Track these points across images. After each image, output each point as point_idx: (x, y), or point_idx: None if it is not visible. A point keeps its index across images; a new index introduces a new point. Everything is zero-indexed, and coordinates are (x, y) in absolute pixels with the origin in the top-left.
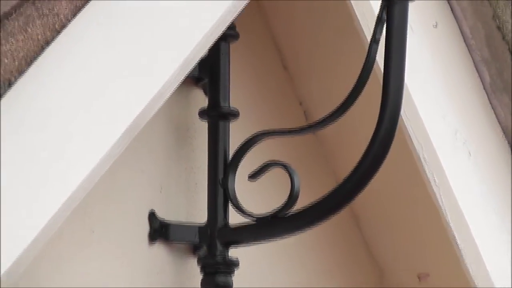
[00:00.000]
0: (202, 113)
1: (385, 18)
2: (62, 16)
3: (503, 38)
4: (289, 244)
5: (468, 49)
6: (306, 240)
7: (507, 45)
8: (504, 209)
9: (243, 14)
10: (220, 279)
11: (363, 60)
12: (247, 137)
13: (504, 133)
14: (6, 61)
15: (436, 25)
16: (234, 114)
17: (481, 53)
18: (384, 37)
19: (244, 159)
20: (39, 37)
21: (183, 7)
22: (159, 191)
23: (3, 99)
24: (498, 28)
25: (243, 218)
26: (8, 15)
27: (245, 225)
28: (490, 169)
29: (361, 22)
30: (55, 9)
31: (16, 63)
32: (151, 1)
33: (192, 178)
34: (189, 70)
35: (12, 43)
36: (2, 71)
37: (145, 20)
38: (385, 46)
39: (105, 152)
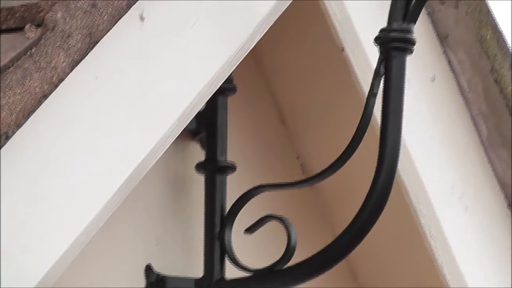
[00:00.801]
0: (199, 167)
1: (383, 72)
2: (59, 70)
3: (501, 91)
4: None
5: (466, 103)
6: None
7: (504, 99)
8: (502, 263)
9: (241, 67)
10: None
11: (361, 114)
12: (244, 190)
13: (501, 187)
14: (3, 114)
15: (433, 79)
16: (232, 168)
17: (478, 107)
18: (382, 91)
19: (241, 212)
20: (37, 90)
21: (181, 60)
22: (155, 244)
23: (1, 152)
24: (496, 81)
25: (240, 271)
26: (6, 68)
27: (242, 279)
28: (487, 223)
29: (358, 76)
30: (53, 63)
31: (14, 116)
32: (151, 56)
33: (188, 232)
34: (186, 123)
35: (10, 96)
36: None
37: (143, 75)
38: (383, 99)
39: (101, 206)
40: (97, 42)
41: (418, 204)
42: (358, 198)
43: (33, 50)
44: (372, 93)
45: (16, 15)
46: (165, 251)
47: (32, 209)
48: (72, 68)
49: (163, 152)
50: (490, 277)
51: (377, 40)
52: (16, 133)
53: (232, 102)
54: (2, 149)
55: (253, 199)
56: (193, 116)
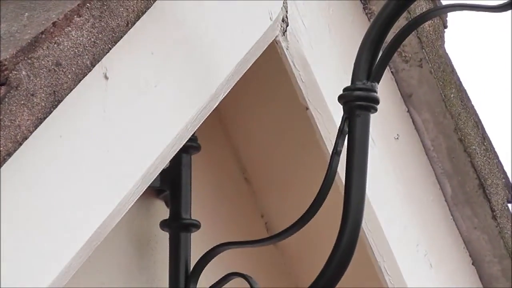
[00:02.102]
0: (164, 224)
1: (347, 130)
2: (23, 128)
3: (465, 150)
4: None
5: (430, 161)
6: None
7: (468, 157)
8: None
9: (205, 126)
10: None
11: (325, 172)
12: (209, 248)
13: (466, 245)
14: None
15: (397, 137)
16: (196, 225)
17: (442, 166)
18: (346, 149)
19: (205, 269)
20: (1, 148)
21: (145, 119)
22: None
23: None
24: (460, 140)
25: None
26: None
27: None
28: (452, 280)
29: (322, 134)
30: (17, 121)
31: None
32: (114, 115)
33: None
34: (150, 181)
35: None
36: None
37: (107, 133)
38: (347, 158)
39: (65, 264)
40: (61, 101)
41: (383, 262)
42: (323, 256)
43: None
44: (336, 152)
45: None
46: None
47: None
48: (36, 126)
49: (127, 210)
50: None
51: (341, 99)
52: None
53: (196, 160)
54: None
55: (217, 256)
56: (157, 174)
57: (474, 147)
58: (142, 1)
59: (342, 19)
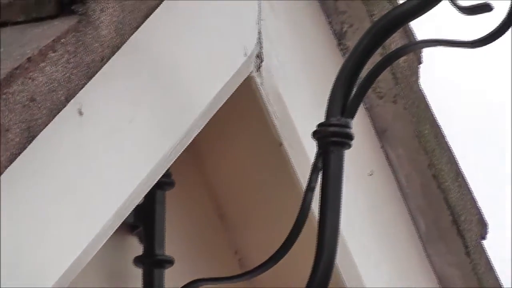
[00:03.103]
0: (137, 261)
1: (321, 166)
2: None
3: (439, 186)
4: None
5: (404, 197)
6: None
7: (442, 194)
8: None
9: (179, 162)
10: None
11: (299, 208)
12: (182, 284)
13: (439, 281)
14: None
15: (371, 173)
16: (169, 262)
17: (416, 202)
18: (320, 185)
19: None
20: None
21: (119, 155)
22: None
23: None
24: (434, 176)
25: None
26: None
27: None
28: None
29: (296, 170)
30: None
31: None
32: (89, 150)
33: None
34: (124, 217)
35: None
36: None
37: (81, 169)
38: (321, 194)
39: None
40: (35, 136)
41: None
42: None
43: None
44: (309, 188)
45: None
46: None
47: None
48: (10, 162)
49: (101, 246)
50: None
51: (315, 134)
52: None
53: (170, 196)
54: None
55: None
56: (131, 210)
57: (448, 183)
58: (117, 37)
59: (317, 55)
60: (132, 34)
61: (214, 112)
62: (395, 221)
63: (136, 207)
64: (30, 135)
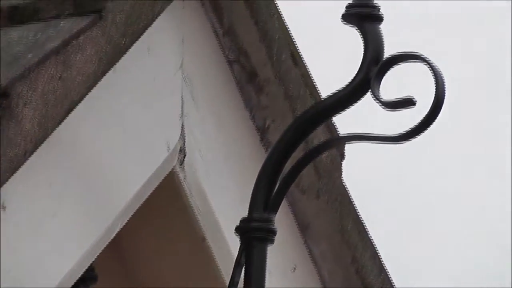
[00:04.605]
0: None
1: (244, 262)
2: None
3: (362, 282)
4: None
5: None
6: None
7: None
8: None
9: (103, 256)
10: None
11: None
12: None
13: None
14: None
15: (294, 269)
16: None
17: None
18: (243, 281)
19: None
20: None
21: (41, 250)
22: None
23: None
24: (357, 272)
25: None
26: None
27: None
28: None
29: (220, 265)
30: None
31: None
32: (11, 246)
33: None
34: None
35: None
36: None
37: (5, 264)
38: None
39: None
40: None
41: None
42: None
43: None
44: (233, 283)
45: None
46: None
47: None
48: None
49: None
50: None
51: (238, 230)
52: None
53: None
54: None
55: None
56: None
57: (371, 278)
58: (40, 131)
59: (240, 150)
60: (55, 128)
61: (137, 206)
62: None
63: None
64: None
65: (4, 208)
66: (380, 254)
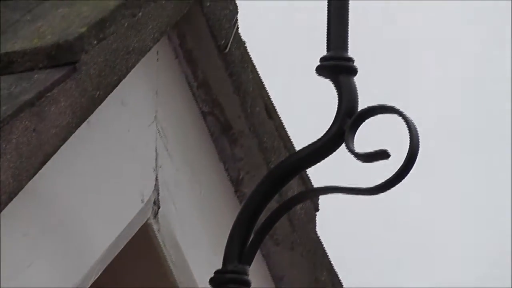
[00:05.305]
0: None
1: None
2: None
3: None
4: None
5: None
6: None
7: None
8: None
9: None
10: None
11: None
12: None
13: None
14: None
15: None
16: None
17: None
18: None
19: None
20: None
21: None
22: None
23: None
24: None
25: None
26: None
27: None
28: None
29: None
30: None
31: None
32: None
33: None
34: None
35: None
36: None
37: None
38: None
39: None
40: None
41: None
42: None
43: None
44: None
45: None
46: None
47: None
48: None
49: None
50: None
51: (212, 281)
52: None
53: None
54: None
55: None
56: None
57: None
58: (14, 183)
59: (214, 202)
60: (29, 180)
61: (112, 258)
62: None
63: None
64: None
65: None
66: None
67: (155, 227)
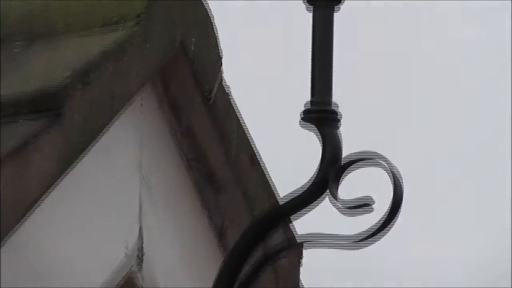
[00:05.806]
0: None
1: None
2: None
3: None
4: None
5: None
6: None
7: None
8: None
9: None
10: None
11: None
12: None
13: None
14: None
15: None
16: None
17: None
18: None
19: None
20: None
21: None
22: None
23: None
24: None
25: None
26: None
27: None
28: None
29: None
30: None
31: None
32: None
33: None
34: None
35: None
36: None
37: None
38: None
39: None
40: None
41: None
42: None
43: None
44: None
45: None
46: None
47: None
48: None
49: None
50: None
51: None
52: None
53: None
54: None
55: None
56: None
57: None
58: None
59: (197, 251)
60: (13, 227)
61: None
62: None
63: None
64: None
65: None
66: None
67: (138, 275)
